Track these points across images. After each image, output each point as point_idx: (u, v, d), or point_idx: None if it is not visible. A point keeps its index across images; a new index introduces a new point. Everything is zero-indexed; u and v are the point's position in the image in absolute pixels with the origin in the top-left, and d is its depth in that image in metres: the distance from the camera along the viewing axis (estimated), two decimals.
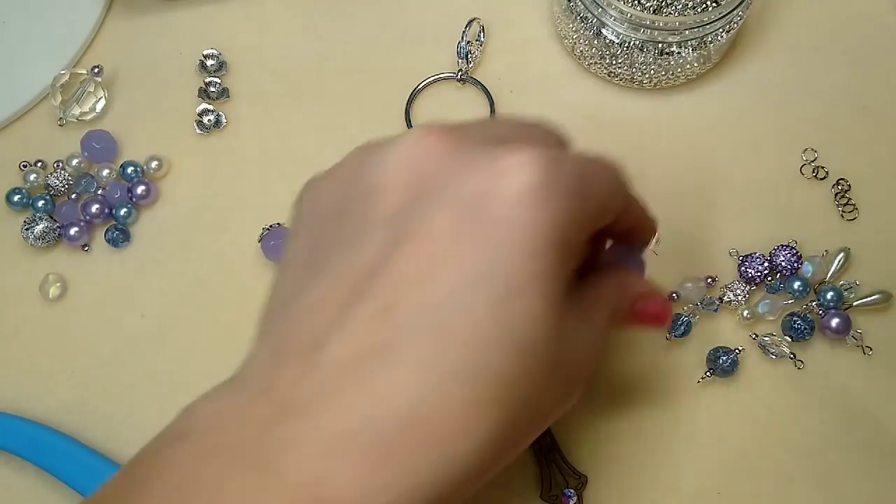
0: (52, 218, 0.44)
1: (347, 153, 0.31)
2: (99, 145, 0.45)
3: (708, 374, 0.41)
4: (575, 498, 0.39)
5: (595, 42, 0.44)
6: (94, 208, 0.44)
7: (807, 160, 0.45)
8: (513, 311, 0.24)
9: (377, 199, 0.27)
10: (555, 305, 0.25)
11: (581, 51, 0.46)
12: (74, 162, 0.45)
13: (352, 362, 0.24)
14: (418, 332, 0.24)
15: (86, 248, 0.45)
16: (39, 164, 0.45)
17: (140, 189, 0.45)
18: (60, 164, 0.45)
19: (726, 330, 0.42)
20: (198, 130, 0.47)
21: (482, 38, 0.48)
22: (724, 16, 0.42)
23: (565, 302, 0.26)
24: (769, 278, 0.42)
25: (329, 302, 0.25)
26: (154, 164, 0.45)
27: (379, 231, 0.26)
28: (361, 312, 0.24)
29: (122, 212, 0.44)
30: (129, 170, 0.45)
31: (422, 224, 0.25)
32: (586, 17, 0.44)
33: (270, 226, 0.43)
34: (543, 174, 0.25)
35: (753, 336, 0.41)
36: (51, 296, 0.43)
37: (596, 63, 0.46)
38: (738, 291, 0.42)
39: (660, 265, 0.43)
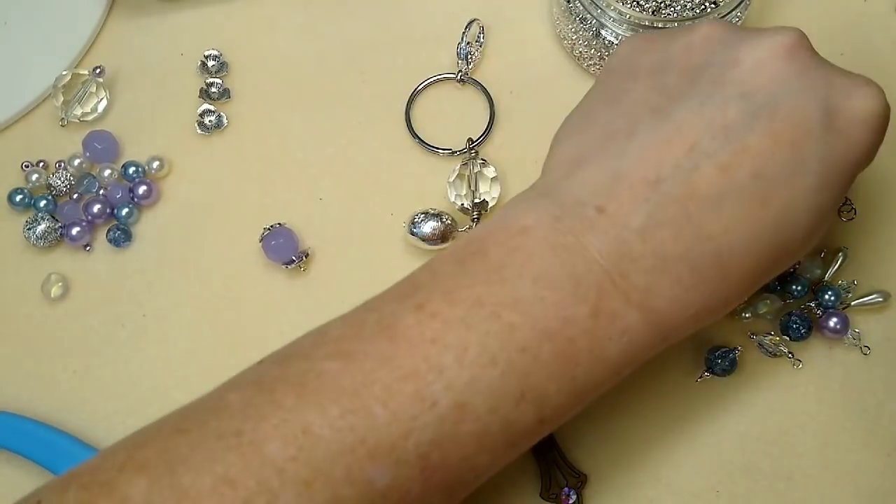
0: (53, 218, 0.44)
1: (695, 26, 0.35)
2: (100, 145, 0.46)
3: (706, 373, 0.41)
4: (575, 497, 0.39)
5: (594, 43, 0.44)
6: (96, 208, 0.44)
7: None
8: (820, 200, 0.32)
9: (735, 72, 0.31)
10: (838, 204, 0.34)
11: (580, 52, 0.46)
12: (76, 162, 0.45)
13: (687, 201, 0.30)
14: (748, 195, 0.30)
15: (87, 248, 0.45)
16: (41, 164, 0.46)
17: (141, 189, 0.45)
18: (62, 165, 0.45)
19: (724, 329, 0.42)
20: (199, 131, 0.47)
21: (482, 39, 0.48)
22: (722, 17, 0.42)
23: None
24: None
25: (677, 144, 0.31)
26: (155, 164, 0.46)
27: (737, 100, 0.31)
28: (707, 162, 0.30)
29: (124, 212, 0.45)
30: (131, 170, 0.45)
31: (778, 110, 0.30)
32: (585, 18, 0.44)
33: (271, 226, 0.44)
34: (883, 107, 0.32)
35: (752, 335, 0.41)
36: (52, 295, 0.44)
37: (595, 64, 0.46)
38: None
39: None
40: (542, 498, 0.39)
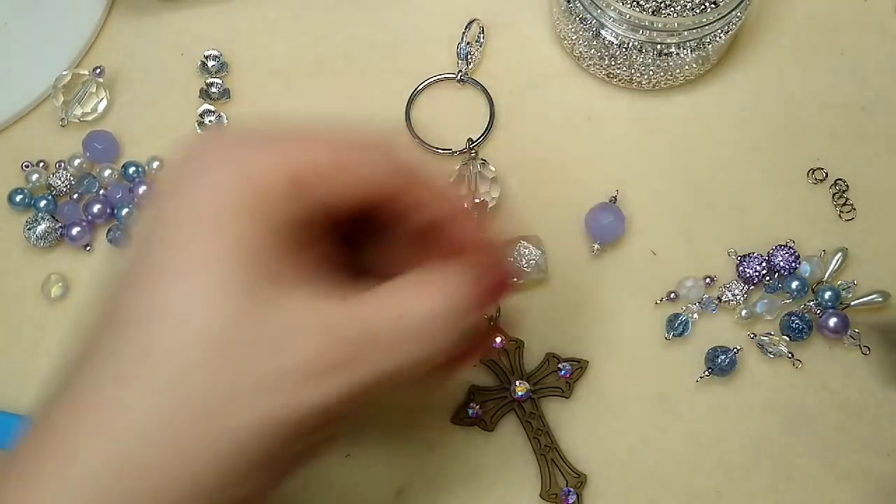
0: (54, 218, 0.44)
1: None
2: (101, 145, 0.46)
3: (706, 373, 0.41)
4: (575, 497, 0.39)
5: (594, 43, 0.44)
6: (96, 208, 0.44)
7: (805, 160, 0.45)
8: None
9: None
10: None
11: (580, 52, 0.46)
12: (76, 162, 0.45)
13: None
14: None
15: (88, 248, 0.45)
16: (41, 164, 0.46)
17: (142, 189, 0.45)
18: (62, 165, 0.45)
19: (725, 329, 0.42)
20: (199, 131, 0.47)
21: (482, 39, 0.48)
22: (722, 17, 0.42)
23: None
24: (767, 278, 0.42)
25: None
26: (156, 164, 0.46)
27: None
28: None
29: (124, 212, 0.45)
30: (131, 170, 0.45)
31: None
32: (585, 18, 0.44)
33: None
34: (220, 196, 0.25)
35: (752, 335, 0.41)
36: (53, 296, 0.44)
37: (595, 64, 0.46)
38: (737, 291, 0.42)
39: (658, 265, 0.43)
40: (542, 498, 0.39)
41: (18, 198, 0.45)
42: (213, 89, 0.47)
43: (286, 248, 0.26)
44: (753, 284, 0.42)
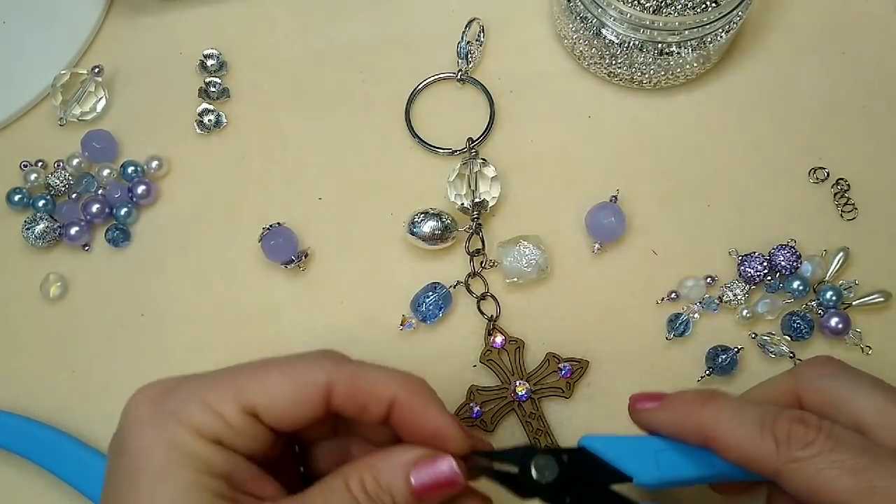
0: (52, 218, 0.44)
1: None
2: (99, 145, 0.45)
3: (707, 372, 0.41)
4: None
5: (595, 42, 0.44)
6: (95, 208, 0.44)
7: (806, 160, 0.45)
8: None
9: None
10: None
11: (581, 51, 0.46)
12: (75, 162, 0.45)
13: None
14: None
15: (86, 248, 0.45)
16: (40, 163, 0.46)
17: (140, 189, 0.45)
18: (61, 164, 0.45)
19: (726, 329, 0.42)
20: (198, 130, 0.47)
21: (482, 38, 0.48)
22: (723, 16, 0.42)
23: None
24: (768, 278, 0.42)
25: None
26: (154, 163, 0.45)
27: None
28: None
29: (123, 211, 0.44)
30: (130, 169, 0.45)
31: None
32: (586, 17, 0.44)
33: (270, 225, 0.43)
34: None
35: (753, 335, 0.41)
36: (51, 295, 0.43)
37: (596, 63, 0.46)
38: (738, 291, 0.42)
39: (659, 265, 0.43)
40: None
41: (17, 197, 0.45)
42: (212, 88, 0.47)
43: (232, 484, 0.28)
44: (755, 284, 0.42)
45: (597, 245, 0.43)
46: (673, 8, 0.43)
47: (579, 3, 0.44)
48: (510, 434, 0.41)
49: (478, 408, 0.40)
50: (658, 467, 0.31)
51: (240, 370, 0.30)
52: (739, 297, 0.42)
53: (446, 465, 0.30)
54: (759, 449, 0.28)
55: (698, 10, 0.42)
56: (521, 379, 0.41)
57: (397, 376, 0.31)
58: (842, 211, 0.44)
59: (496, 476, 0.31)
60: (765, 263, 0.42)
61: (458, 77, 0.47)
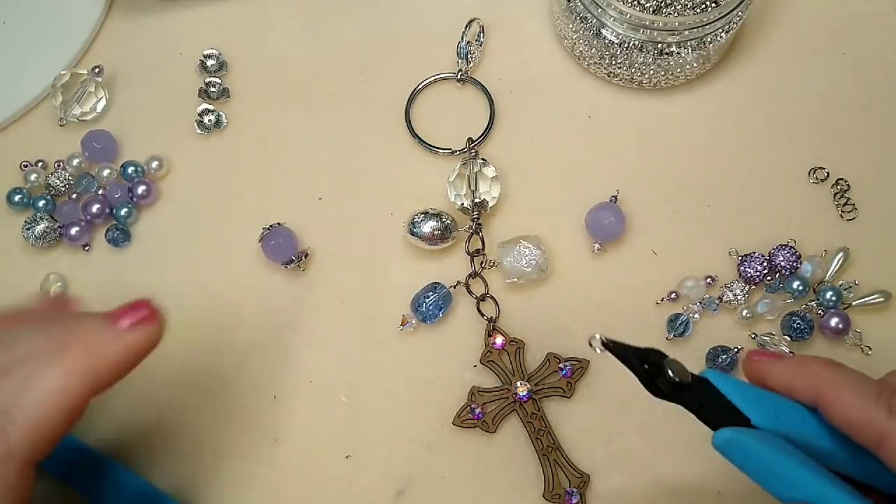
0: (52, 218, 0.44)
1: None
2: (99, 145, 0.45)
3: None
4: (578, 497, 0.39)
5: (595, 42, 0.44)
6: (95, 208, 0.44)
7: (806, 160, 0.45)
8: None
9: None
10: None
11: (581, 51, 0.46)
12: (75, 162, 0.45)
13: None
14: None
15: (86, 248, 0.45)
16: (40, 164, 0.46)
17: (140, 189, 0.45)
18: (61, 164, 0.45)
19: (726, 329, 0.42)
20: (198, 130, 0.47)
21: (482, 38, 0.48)
22: (723, 16, 0.42)
23: None
24: (768, 278, 0.42)
25: None
26: (154, 163, 0.45)
27: None
28: None
29: (123, 211, 0.44)
30: (130, 170, 0.45)
31: None
32: (586, 17, 0.44)
33: (270, 225, 0.43)
34: None
35: (753, 335, 0.41)
36: (52, 295, 0.43)
37: (595, 63, 0.46)
38: (738, 291, 0.42)
39: (659, 265, 0.43)
40: (545, 499, 0.39)
41: (17, 197, 0.45)
42: (213, 88, 0.47)
43: None
44: (755, 284, 0.42)
45: (597, 245, 0.43)
46: (673, 8, 0.43)
47: (579, 3, 0.44)
48: (512, 434, 0.41)
49: (479, 409, 0.40)
50: (776, 418, 0.31)
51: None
52: (739, 298, 0.42)
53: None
54: (869, 413, 0.29)
55: (698, 10, 0.42)
56: (522, 379, 0.41)
57: None
58: (842, 211, 0.44)
59: (627, 363, 0.31)
60: (765, 263, 0.42)
61: (458, 77, 0.47)
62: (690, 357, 0.41)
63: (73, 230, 0.44)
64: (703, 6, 0.42)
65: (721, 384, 0.31)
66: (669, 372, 0.30)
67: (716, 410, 0.30)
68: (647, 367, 0.31)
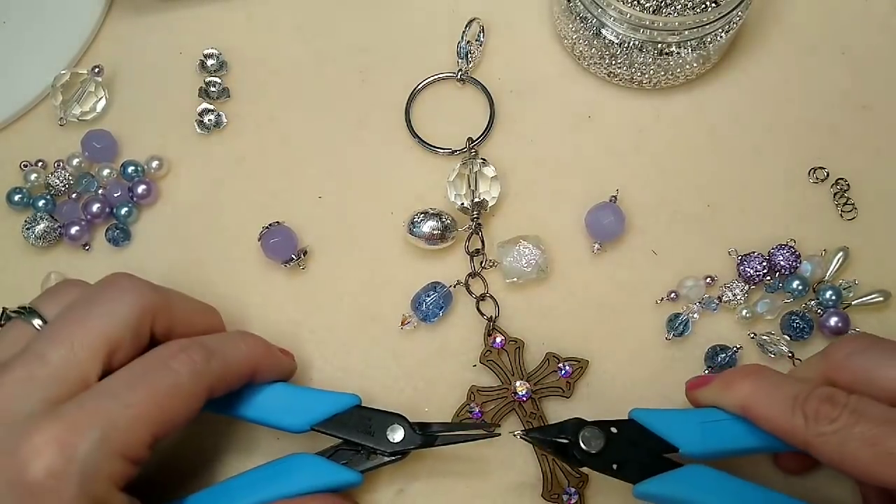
0: (52, 217, 0.44)
1: None
2: (99, 145, 0.46)
3: (707, 372, 0.41)
4: (576, 497, 0.39)
5: (594, 42, 0.44)
6: (95, 208, 0.44)
7: (806, 159, 0.45)
8: None
9: None
10: None
11: (580, 51, 0.46)
12: (75, 161, 0.45)
13: None
14: None
15: (87, 248, 0.45)
16: (40, 163, 0.46)
17: (140, 188, 0.45)
18: (61, 164, 0.45)
19: (725, 329, 0.42)
20: (198, 130, 0.47)
21: (482, 38, 0.48)
22: (723, 16, 0.42)
23: None
24: (768, 277, 0.42)
25: None
26: (154, 163, 0.45)
27: None
28: None
29: (123, 211, 0.44)
30: (130, 169, 0.45)
31: None
32: (586, 17, 0.44)
33: (270, 225, 0.43)
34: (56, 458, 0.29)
35: (752, 335, 0.41)
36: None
37: (595, 63, 0.46)
38: (737, 290, 0.42)
39: (659, 265, 0.43)
40: (544, 498, 0.39)
41: (17, 197, 0.45)
42: (213, 88, 0.47)
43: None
44: (754, 284, 0.42)
45: (596, 245, 0.43)
46: (673, 8, 0.43)
47: (579, 4, 0.44)
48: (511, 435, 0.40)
49: (478, 408, 0.40)
50: (703, 438, 0.34)
51: (141, 400, 0.31)
52: (739, 297, 0.42)
53: None
54: (790, 423, 0.31)
55: (698, 10, 0.43)
56: (521, 379, 0.41)
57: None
58: (841, 211, 0.44)
59: (550, 446, 0.36)
60: (764, 263, 0.42)
61: (458, 77, 0.47)
62: (690, 356, 0.41)
63: (74, 230, 0.44)
64: (703, 6, 0.42)
65: (647, 420, 0.35)
66: (582, 444, 0.34)
67: (645, 450, 0.34)
68: (568, 439, 0.35)
